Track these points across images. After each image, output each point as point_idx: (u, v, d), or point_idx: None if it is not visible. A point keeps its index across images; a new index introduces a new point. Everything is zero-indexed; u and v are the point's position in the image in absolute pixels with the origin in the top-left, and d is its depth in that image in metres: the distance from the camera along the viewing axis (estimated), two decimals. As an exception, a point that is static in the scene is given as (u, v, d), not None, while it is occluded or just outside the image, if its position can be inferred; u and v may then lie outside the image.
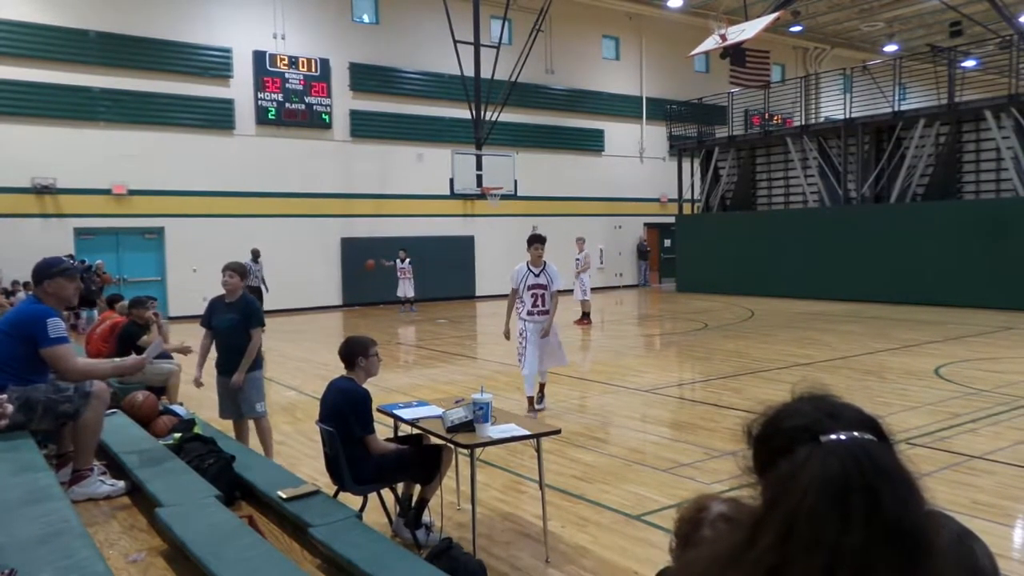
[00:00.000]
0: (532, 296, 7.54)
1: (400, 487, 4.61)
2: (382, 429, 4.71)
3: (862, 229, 18.83)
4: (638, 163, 26.54)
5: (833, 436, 0.90)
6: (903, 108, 19.92)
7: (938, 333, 13.05)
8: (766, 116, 24.36)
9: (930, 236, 17.54)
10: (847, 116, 20.46)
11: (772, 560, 0.87)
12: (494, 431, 4.28)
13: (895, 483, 0.87)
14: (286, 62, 19.65)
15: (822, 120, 22.63)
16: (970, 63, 21.55)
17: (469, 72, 19.26)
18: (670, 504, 4.99)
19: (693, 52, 20.17)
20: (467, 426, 4.26)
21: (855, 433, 0.90)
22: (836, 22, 27.95)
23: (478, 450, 4.24)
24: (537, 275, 7.56)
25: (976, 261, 16.72)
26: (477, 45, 19.21)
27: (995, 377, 9.16)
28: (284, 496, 3.83)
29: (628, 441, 6.85)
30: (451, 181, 18.65)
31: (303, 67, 19.91)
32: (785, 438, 0.93)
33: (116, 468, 4.22)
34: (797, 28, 26.87)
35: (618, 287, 25.82)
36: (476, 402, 4.26)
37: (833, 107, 23.34)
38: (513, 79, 19.77)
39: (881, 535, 0.84)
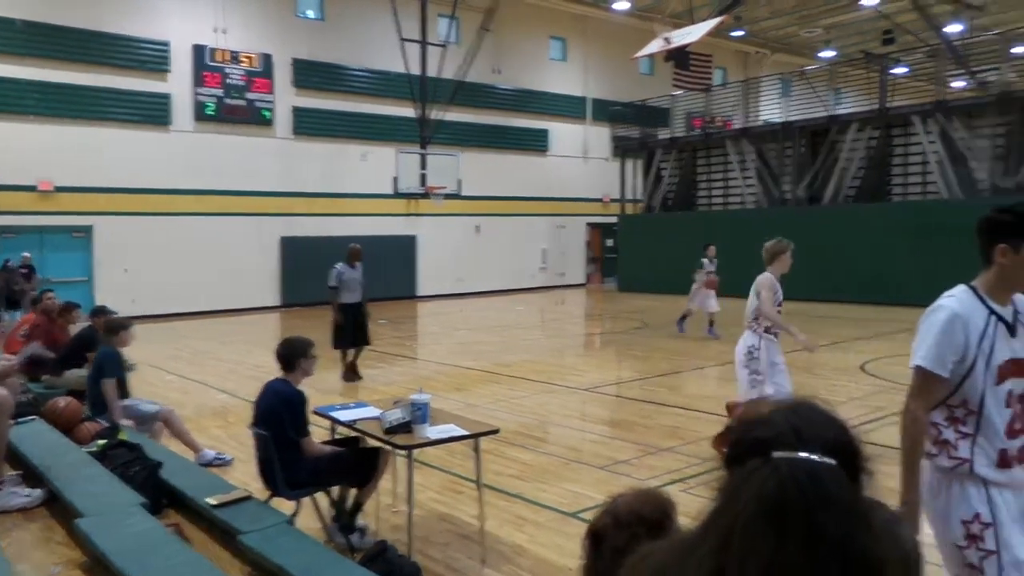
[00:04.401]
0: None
1: (335, 490, 4.55)
2: (320, 432, 4.65)
3: (797, 230, 19.22)
4: (582, 163, 26.75)
5: (783, 454, 0.88)
6: (837, 112, 20.56)
7: (866, 330, 13.52)
8: (707, 119, 24.82)
9: (861, 236, 18.14)
10: (784, 119, 21.02)
11: (710, 566, 0.88)
12: (432, 432, 4.27)
13: (837, 510, 0.85)
14: (227, 57, 19.20)
15: (761, 123, 23.18)
16: (901, 70, 22.36)
17: (415, 71, 19.14)
18: (606, 501, 5.05)
19: (638, 54, 20.43)
20: (405, 427, 4.23)
21: (809, 455, 0.88)
22: (777, 28, 28.64)
23: (416, 451, 4.22)
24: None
25: (902, 260, 17.35)
26: (424, 43, 19.11)
27: (919, 373, 9.50)
28: (214, 503, 3.76)
29: (566, 439, 6.92)
30: (395, 180, 18.50)
31: (245, 62, 19.49)
32: (746, 447, 0.93)
33: (34, 477, 4.07)
34: (739, 33, 27.45)
35: (561, 286, 25.98)
36: (415, 403, 4.24)
37: (771, 111, 23.92)
38: (460, 78, 19.72)
39: (826, 559, 0.83)
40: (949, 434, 2.45)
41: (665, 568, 1.00)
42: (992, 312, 2.44)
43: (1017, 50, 18.79)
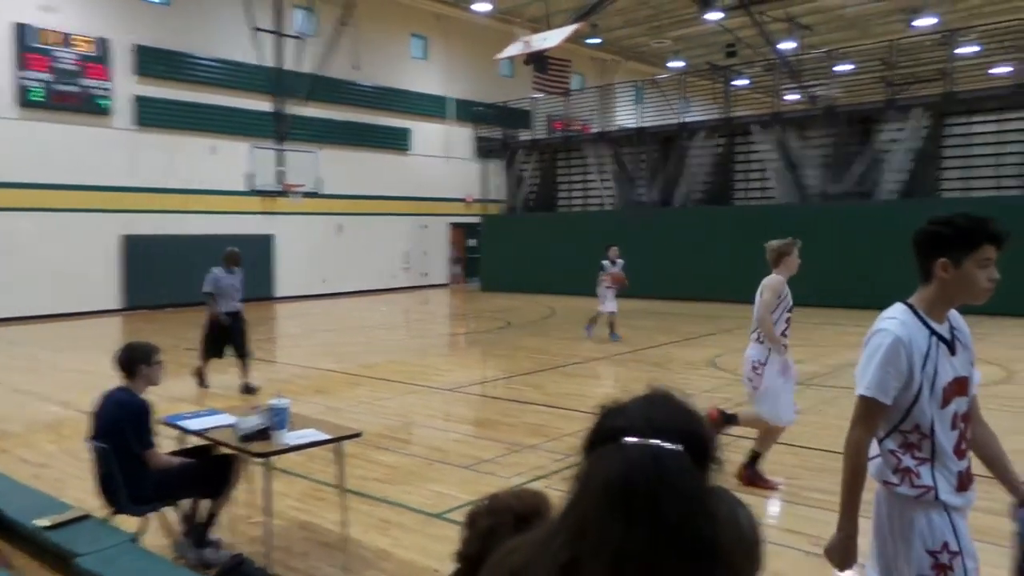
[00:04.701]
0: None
1: (186, 503, 4.29)
2: (168, 443, 4.37)
3: (652, 230, 20.30)
4: (444, 163, 26.75)
5: (632, 440, 0.89)
6: (687, 120, 21.73)
7: (715, 326, 14.37)
8: (566, 122, 25.50)
9: (709, 237, 19.26)
10: (638, 125, 21.97)
11: (563, 558, 0.88)
12: (291, 437, 4.12)
13: (678, 493, 0.87)
14: (58, 39, 17.64)
15: (617, 128, 24.12)
16: (742, 82, 23.95)
17: (270, 63, 18.43)
18: (471, 500, 5.06)
19: (498, 56, 20.70)
20: (262, 434, 4.07)
21: (659, 441, 0.89)
22: (629, 37, 29.85)
23: (274, 458, 4.05)
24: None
25: (746, 260, 18.42)
26: (279, 35, 18.45)
27: (761, 365, 10.20)
28: (45, 524, 3.43)
29: (430, 440, 6.89)
30: (250, 176, 17.74)
31: (79, 46, 17.98)
32: (600, 435, 0.93)
33: None
34: (595, 40, 28.37)
35: (424, 287, 25.89)
36: (273, 408, 4.08)
37: (627, 116, 24.91)
38: (318, 73, 19.18)
39: (665, 542, 0.85)
40: (908, 461, 2.33)
41: (525, 563, 1.00)
42: (933, 333, 2.33)
43: (841, 68, 20.61)
